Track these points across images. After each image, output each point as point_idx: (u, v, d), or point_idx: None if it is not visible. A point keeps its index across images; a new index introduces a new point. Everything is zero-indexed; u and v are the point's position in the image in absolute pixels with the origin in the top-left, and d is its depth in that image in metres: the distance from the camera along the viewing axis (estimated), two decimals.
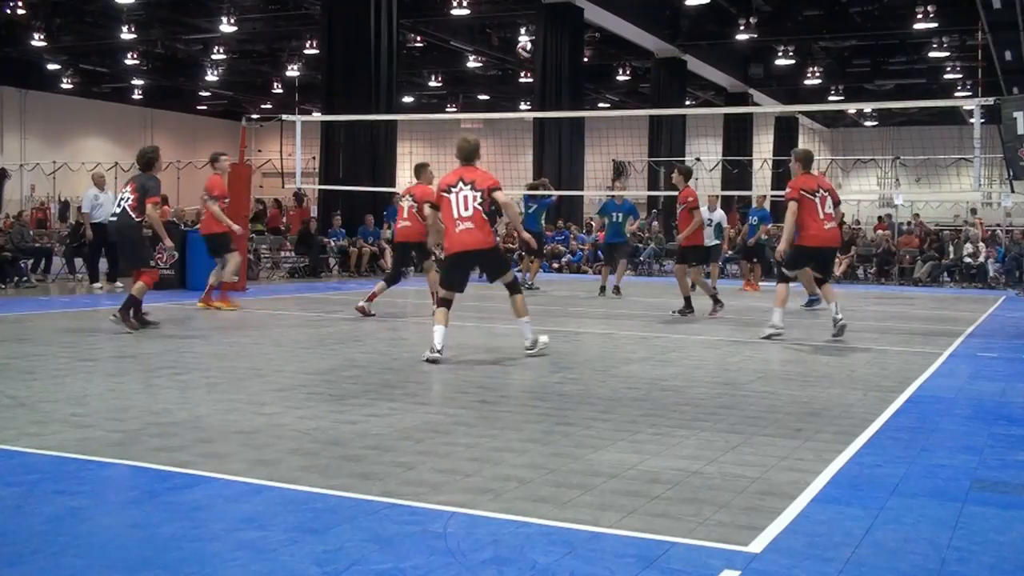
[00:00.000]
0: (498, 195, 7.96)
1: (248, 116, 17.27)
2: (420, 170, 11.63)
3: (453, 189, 7.93)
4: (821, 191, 9.54)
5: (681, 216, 12.42)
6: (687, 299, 12.09)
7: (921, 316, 13.47)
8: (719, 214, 17.33)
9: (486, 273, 8.43)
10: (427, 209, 8.26)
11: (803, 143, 43.35)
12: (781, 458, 4.69)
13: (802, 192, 9.43)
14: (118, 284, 15.56)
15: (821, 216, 9.47)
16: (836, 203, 9.80)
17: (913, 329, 11.51)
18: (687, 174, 12.65)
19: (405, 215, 11.32)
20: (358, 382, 6.72)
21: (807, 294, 12.85)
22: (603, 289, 15.66)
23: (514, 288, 8.20)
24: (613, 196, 16.11)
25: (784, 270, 9.98)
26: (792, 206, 9.48)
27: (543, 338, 8.24)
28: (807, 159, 9.92)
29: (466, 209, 7.85)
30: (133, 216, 9.44)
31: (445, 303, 7.99)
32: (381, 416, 5.50)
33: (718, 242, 16.92)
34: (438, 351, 7.65)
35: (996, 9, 20.47)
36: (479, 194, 7.87)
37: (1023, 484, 4.39)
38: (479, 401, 6.08)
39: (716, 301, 12.17)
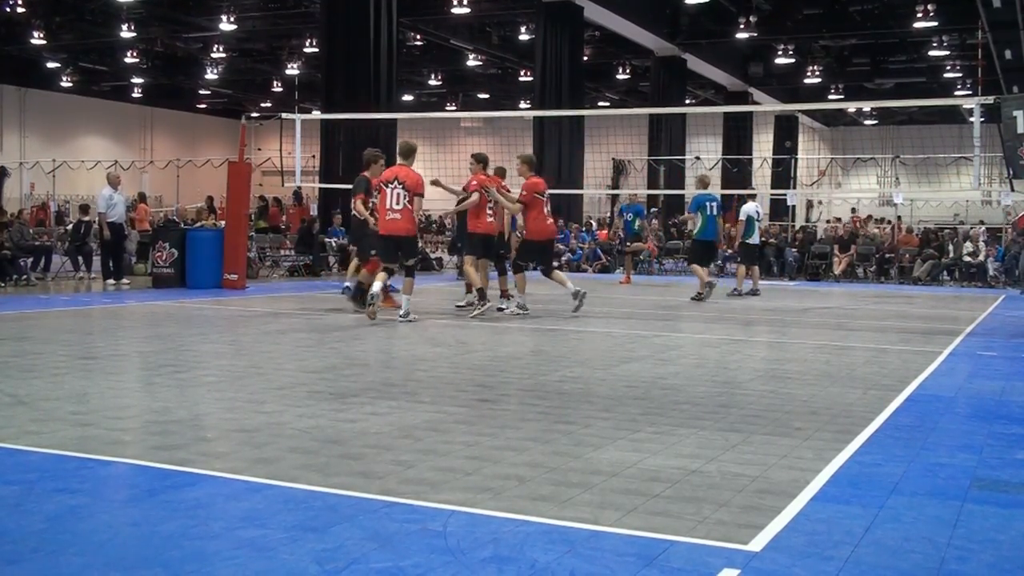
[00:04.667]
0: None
1: (248, 114, 17.31)
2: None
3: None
4: (548, 193, 11.88)
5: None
6: (480, 291, 11.46)
7: (921, 315, 13.47)
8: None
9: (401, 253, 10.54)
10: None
11: (803, 142, 43.43)
12: (781, 457, 4.69)
13: (534, 194, 11.45)
14: (124, 281, 15.58)
15: (547, 213, 11.80)
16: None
17: (913, 328, 11.51)
18: (530, 163, 12.12)
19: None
20: (358, 380, 6.73)
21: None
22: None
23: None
24: None
25: (519, 263, 11.75)
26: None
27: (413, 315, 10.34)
28: (531, 162, 11.96)
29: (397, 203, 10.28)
30: (357, 215, 11.24)
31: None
32: (381, 414, 5.50)
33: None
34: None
35: (996, 8, 20.48)
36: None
37: (1022, 483, 4.40)
38: (479, 400, 6.08)
39: (483, 297, 11.56)
